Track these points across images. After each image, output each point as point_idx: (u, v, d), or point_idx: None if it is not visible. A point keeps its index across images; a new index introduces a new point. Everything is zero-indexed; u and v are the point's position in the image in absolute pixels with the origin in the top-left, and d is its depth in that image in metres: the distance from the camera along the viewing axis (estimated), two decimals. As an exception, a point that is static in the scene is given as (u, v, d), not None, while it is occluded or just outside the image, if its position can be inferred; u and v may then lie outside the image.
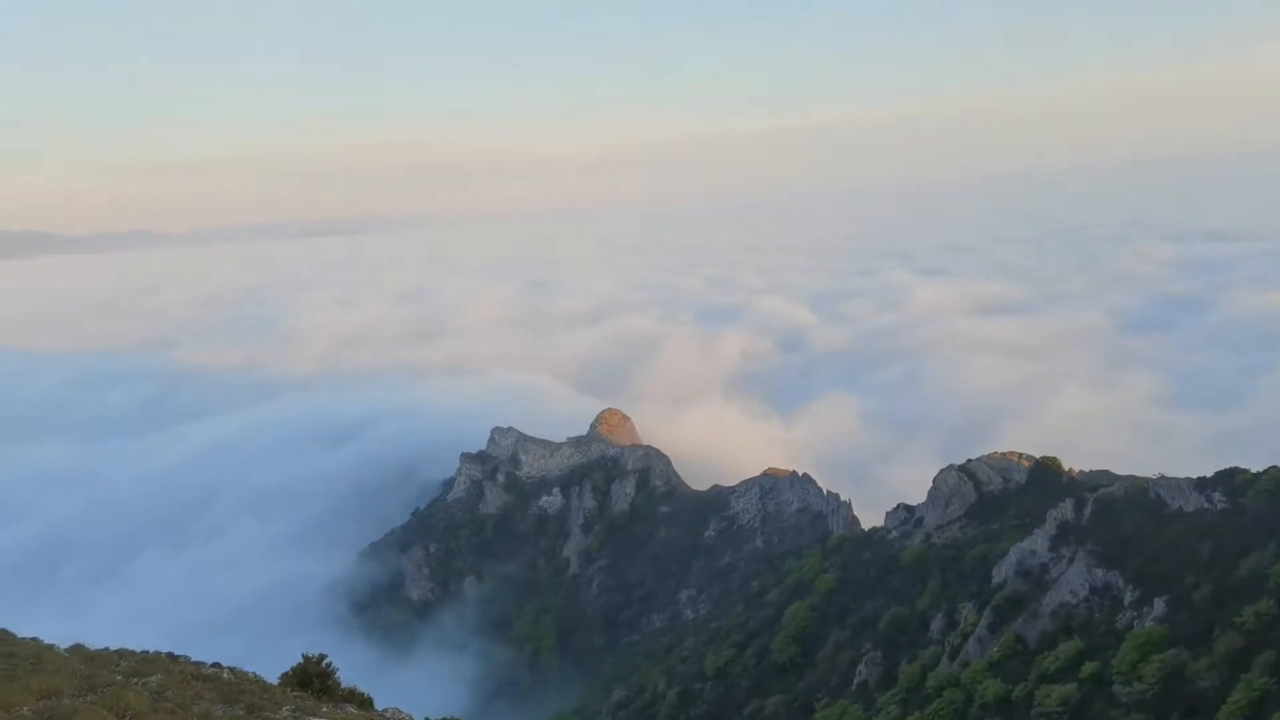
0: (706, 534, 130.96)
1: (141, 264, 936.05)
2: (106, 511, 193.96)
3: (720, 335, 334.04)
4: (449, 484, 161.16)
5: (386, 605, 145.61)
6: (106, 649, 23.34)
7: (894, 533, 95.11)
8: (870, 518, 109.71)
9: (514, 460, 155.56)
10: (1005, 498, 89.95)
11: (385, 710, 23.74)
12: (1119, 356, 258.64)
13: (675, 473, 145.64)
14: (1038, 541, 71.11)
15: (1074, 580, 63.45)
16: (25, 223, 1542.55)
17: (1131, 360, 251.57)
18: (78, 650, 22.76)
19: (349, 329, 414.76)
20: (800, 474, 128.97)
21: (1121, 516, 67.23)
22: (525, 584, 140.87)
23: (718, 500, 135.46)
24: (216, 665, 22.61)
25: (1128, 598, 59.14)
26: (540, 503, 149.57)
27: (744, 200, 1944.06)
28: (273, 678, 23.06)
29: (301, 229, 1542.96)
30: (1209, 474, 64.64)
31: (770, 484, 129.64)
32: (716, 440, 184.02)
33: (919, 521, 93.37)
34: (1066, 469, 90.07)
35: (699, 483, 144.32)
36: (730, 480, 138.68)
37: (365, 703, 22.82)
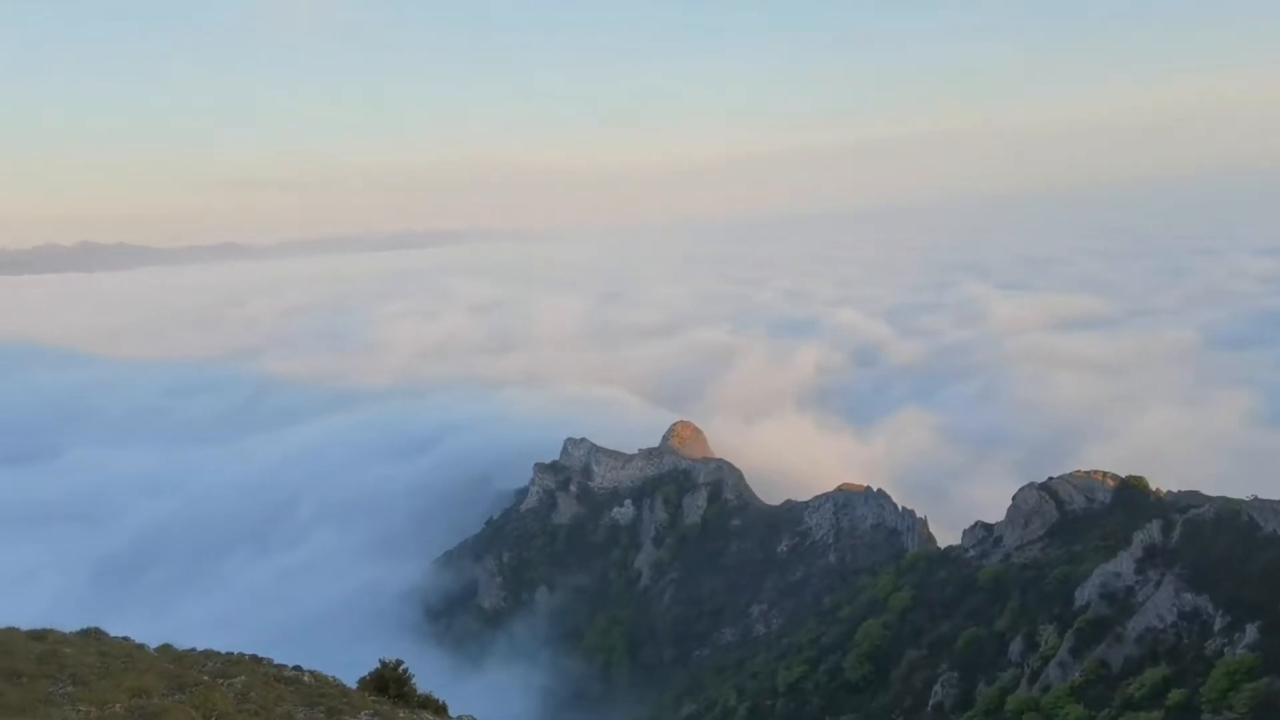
0: (779, 549, 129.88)
1: (229, 276, 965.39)
2: (194, 516, 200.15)
3: (794, 348, 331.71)
4: (522, 494, 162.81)
5: (460, 613, 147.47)
6: (193, 649, 24.01)
7: (971, 551, 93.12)
8: (946, 535, 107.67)
9: (586, 471, 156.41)
10: (1089, 518, 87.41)
11: (459, 718, 24.09)
12: (1210, 374, 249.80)
13: (747, 486, 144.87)
14: (1123, 564, 68.99)
15: (1161, 604, 61.42)
16: (121, 236, 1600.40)
17: (1223, 377, 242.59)
18: (166, 650, 23.45)
19: (428, 340, 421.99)
20: (875, 489, 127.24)
21: (1212, 539, 64.86)
22: (596, 595, 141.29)
23: (790, 515, 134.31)
24: (298, 668, 23.18)
25: (1218, 623, 57.03)
26: (612, 514, 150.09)
27: (817, 212, 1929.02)
28: (350, 682, 23.56)
29: (383, 242, 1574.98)
30: (1305, 496, 62.12)
31: (844, 499, 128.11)
32: (789, 454, 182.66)
33: (997, 540, 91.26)
34: (1153, 489, 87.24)
35: (771, 497, 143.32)
36: (803, 495, 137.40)
37: (440, 709, 23.17)
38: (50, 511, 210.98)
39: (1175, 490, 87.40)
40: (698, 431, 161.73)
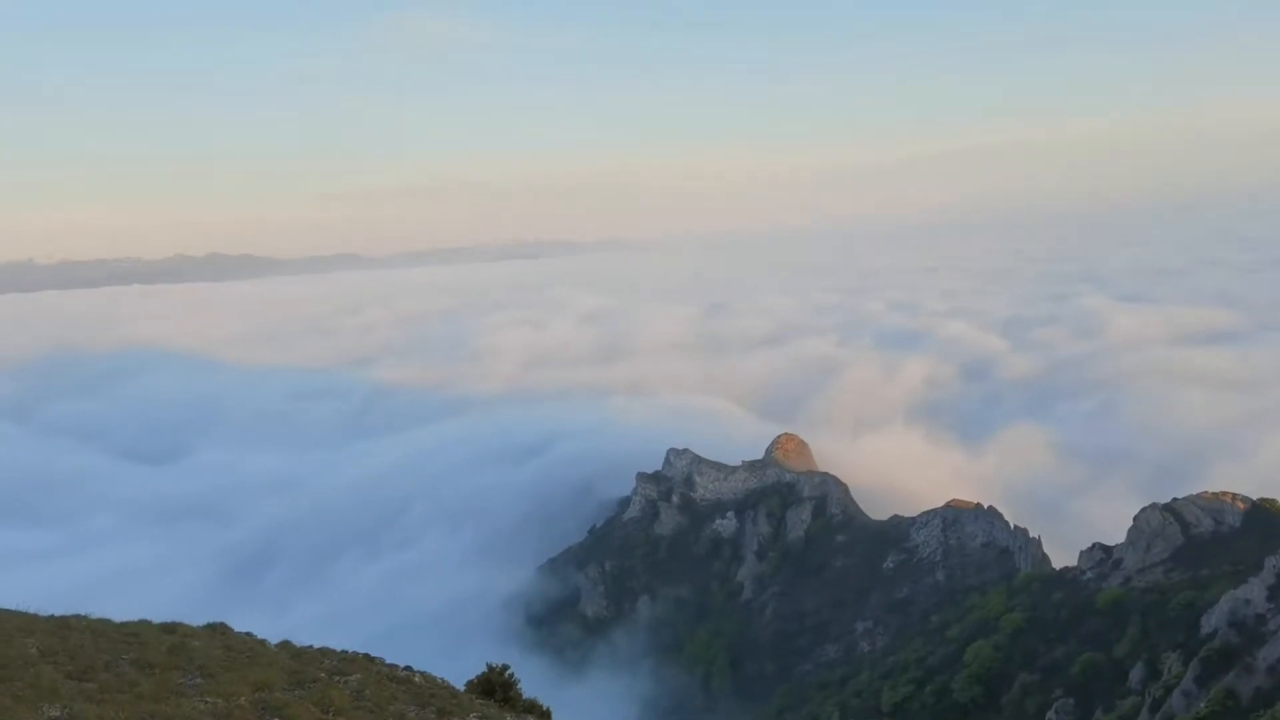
0: (884, 565, 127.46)
1: (346, 285, 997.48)
2: (311, 518, 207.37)
3: (902, 360, 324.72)
4: (625, 503, 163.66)
5: (561, 621, 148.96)
6: (311, 646, 24.94)
7: (1088, 573, 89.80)
8: (1061, 556, 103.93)
9: (688, 482, 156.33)
10: (1216, 542, 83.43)
11: (563, 724, 24.43)
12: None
13: (853, 501, 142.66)
14: (1254, 590, 65.58)
15: (1295, 635, 58.18)
16: (245, 248, 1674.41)
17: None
18: (286, 646, 24.41)
19: (536, 349, 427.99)
20: (986, 507, 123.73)
21: (1352, 568, 61.19)
22: (697, 606, 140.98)
23: (897, 531, 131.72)
24: (408, 669, 23.85)
25: (1359, 658, 53.72)
26: (714, 525, 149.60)
27: (925, 221, 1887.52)
28: (454, 685, 24.10)
29: (493, 253, 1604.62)
30: None
31: (953, 516, 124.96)
32: (896, 469, 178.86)
33: (1117, 563, 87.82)
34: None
35: (877, 512, 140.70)
36: (910, 511, 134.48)
37: (545, 715, 23.50)
38: (180, 509, 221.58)
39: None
40: (803, 444, 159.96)
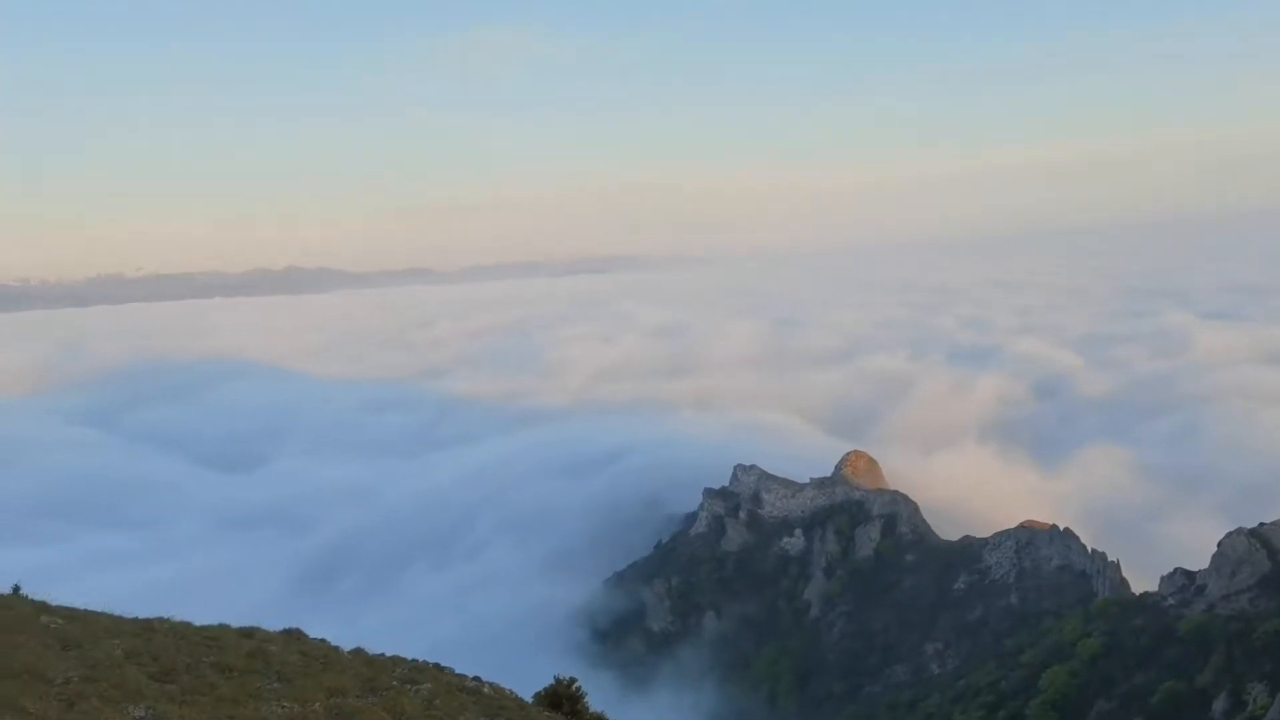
0: (955, 586, 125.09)
1: (418, 299, 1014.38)
2: (382, 527, 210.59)
3: (974, 377, 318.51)
4: (691, 518, 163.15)
5: (626, 635, 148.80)
6: (382, 654, 25.40)
7: (1170, 600, 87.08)
8: (1141, 581, 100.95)
9: (755, 498, 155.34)
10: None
11: (628, 738, 24.48)
12: None
13: (923, 520, 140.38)
14: (1345, 621, 62.98)
15: (1391, 669, 55.65)
16: (320, 261, 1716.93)
17: None
18: (358, 654, 24.90)
19: (605, 363, 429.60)
20: (1061, 528, 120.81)
21: None
22: (764, 624, 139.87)
23: (968, 551, 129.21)
24: (477, 679, 24.16)
25: None
26: (782, 543, 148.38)
27: (997, 235, 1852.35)
28: (522, 697, 24.28)
29: (563, 267, 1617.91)
30: None
31: (1027, 537, 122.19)
32: (968, 488, 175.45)
33: (1200, 589, 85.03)
34: (1384, 541, 79.26)
35: (948, 532, 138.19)
36: (982, 531, 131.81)
37: (610, 729, 23.62)
38: (258, 516, 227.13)
39: None
40: (872, 462, 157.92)
